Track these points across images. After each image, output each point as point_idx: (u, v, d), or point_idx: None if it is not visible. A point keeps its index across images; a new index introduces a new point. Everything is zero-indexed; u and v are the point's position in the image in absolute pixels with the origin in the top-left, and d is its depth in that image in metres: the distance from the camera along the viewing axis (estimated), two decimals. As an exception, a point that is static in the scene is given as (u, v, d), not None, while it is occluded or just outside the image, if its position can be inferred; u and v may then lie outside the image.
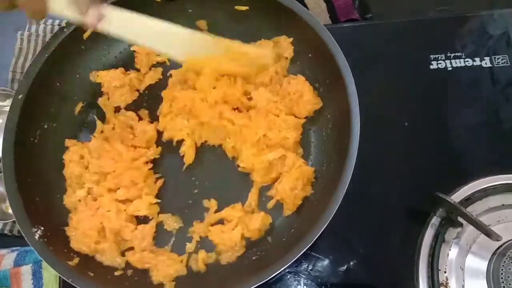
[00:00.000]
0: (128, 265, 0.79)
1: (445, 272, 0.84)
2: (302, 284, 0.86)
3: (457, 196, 0.87)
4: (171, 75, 0.92)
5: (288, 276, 0.86)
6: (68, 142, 0.87)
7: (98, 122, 0.90)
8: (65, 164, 0.85)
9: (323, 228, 0.71)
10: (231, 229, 0.79)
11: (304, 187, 0.80)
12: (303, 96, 0.84)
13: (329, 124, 0.84)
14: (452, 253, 0.85)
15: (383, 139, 0.93)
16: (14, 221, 0.90)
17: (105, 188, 0.81)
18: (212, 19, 0.93)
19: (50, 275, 0.87)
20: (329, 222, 0.71)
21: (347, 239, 0.88)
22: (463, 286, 0.82)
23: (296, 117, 0.85)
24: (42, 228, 0.76)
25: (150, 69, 0.95)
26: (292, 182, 0.79)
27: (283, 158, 0.82)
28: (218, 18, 0.92)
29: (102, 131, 0.89)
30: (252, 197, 0.83)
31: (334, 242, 0.87)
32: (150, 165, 0.86)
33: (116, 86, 0.90)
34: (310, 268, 0.86)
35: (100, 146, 0.84)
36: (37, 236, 0.74)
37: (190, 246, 0.81)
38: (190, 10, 0.93)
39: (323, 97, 0.86)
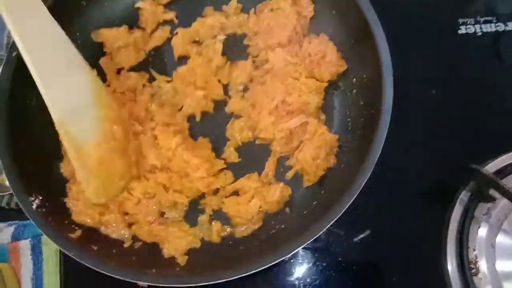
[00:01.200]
0: (136, 238, 0.73)
1: (474, 250, 0.79)
2: (320, 260, 0.80)
3: (490, 168, 0.81)
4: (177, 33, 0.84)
5: (303, 253, 0.81)
6: None
7: None
8: None
9: (350, 202, 0.64)
10: (247, 200, 0.72)
11: (327, 157, 0.74)
12: (326, 57, 0.76)
13: (354, 88, 0.77)
14: (482, 230, 0.80)
15: (409, 108, 0.87)
16: (11, 194, 0.83)
17: None
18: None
19: (50, 250, 0.82)
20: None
21: (369, 213, 0.82)
22: (493, 264, 0.78)
23: (317, 80, 0.78)
24: (40, 198, 0.69)
25: (157, 27, 0.86)
26: (314, 150, 0.73)
27: (304, 125, 0.75)
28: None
29: None
30: (270, 166, 0.77)
31: (355, 216, 0.81)
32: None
33: (119, 46, 0.82)
34: (328, 244, 0.80)
35: None
36: (34, 206, 0.68)
37: (203, 218, 0.75)
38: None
39: (347, 58, 0.78)
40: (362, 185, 0.65)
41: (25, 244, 0.82)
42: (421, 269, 0.80)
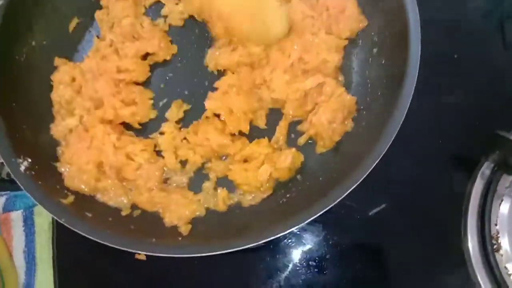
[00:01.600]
0: (135, 206, 0.68)
1: (496, 225, 0.74)
2: (330, 234, 0.74)
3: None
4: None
5: (312, 225, 0.75)
6: (57, 61, 0.74)
7: (95, 39, 0.76)
8: (54, 86, 0.72)
9: (367, 172, 0.59)
10: (257, 167, 0.66)
11: (345, 121, 0.68)
12: (345, 11, 0.69)
13: (375, 47, 0.70)
14: (504, 205, 0.75)
15: (429, 72, 0.79)
16: (2, 163, 0.77)
17: (98, 117, 0.68)
18: None
19: (43, 222, 0.77)
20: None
21: (385, 186, 0.76)
22: (516, 241, 0.72)
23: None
24: (30, 160, 0.63)
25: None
26: (331, 113, 0.67)
27: (320, 86, 0.69)
28: None
29: (98, 50, 0.74)
30: (281, 131, 0.71)
31: (370, 188, 0.74)
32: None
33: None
34: (339, 217, 0.75)
35: (95, 66, 0.71)
36: (22, 168, 0.62)
37: (207, 185, 0.69)
38: None
39: (368, 13, 0.71)
40: (383, 154, 0.59)
41: (16, 215, 0.78)
42: (439, 246, 0.75)
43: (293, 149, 0.69)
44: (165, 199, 0.66)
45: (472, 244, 0.73)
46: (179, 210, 0.65)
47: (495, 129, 0.75)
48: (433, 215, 0.76)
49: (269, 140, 0.71)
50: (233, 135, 0.70)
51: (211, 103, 0.69)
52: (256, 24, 0.68)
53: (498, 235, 0.74)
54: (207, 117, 0.71)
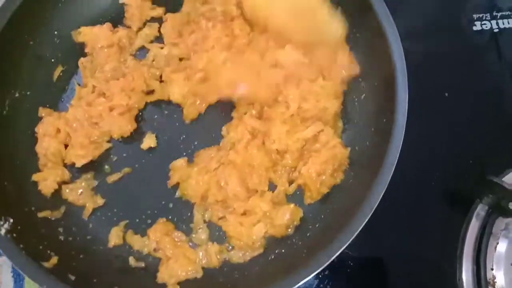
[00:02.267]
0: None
1: (492, 269, 0.72)
2: (324, 282, 0.72)
3: (509, 178, 0.75)
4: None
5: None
6: (42, 111, 0.72)
7: (77, 87, 0.75)
8: (38, 138, 0.70)
9: (361, 226, 0.57)
10: (252, 224, 0.64)
11: (334, 173, 0.66)
12: (337, 59, 0.68)
13: (363, 93, 0.70)
14: (500, 247, 0.73)
15: (420, 112, 0.78)
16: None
17: None
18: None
19: None
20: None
21: (380, 228, 0.74)
22: (514, 285, 0.71)
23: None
24: (11, 221, 0.61)
25: (144, 25, 0.78)
26: (320, 165, 0.65)
27: (317, 134, 0.67)
28: None
29: (80, 98, 0.73)
30: (283, 184, 0.68)
31: (364, 233, 0.72)
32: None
33: (102, 46, 0.74)
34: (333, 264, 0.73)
35: (82, 114, 0.70)
36: (3, 231, 0.60)
37: (203, 238, 0.68)
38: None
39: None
40: (375, 207, 0.57)
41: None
42: (436, 288, 0.73)
43: (292, 205, 0.67)
44: (171, 250, 0.65)
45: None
46: (175, 268, 0.63)
47: (487, 171, 0.74)
48: (429, 258, 0.74)
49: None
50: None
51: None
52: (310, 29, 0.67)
53: (495, 280, 0.72)
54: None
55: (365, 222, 0.57)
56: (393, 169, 0.59)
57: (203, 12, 0.73)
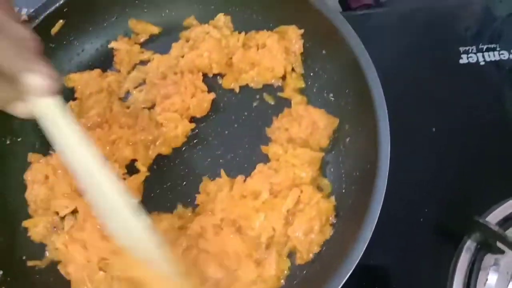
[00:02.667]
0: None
1: (482, 305, 0.72)
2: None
3: (495, 216, 0.74)
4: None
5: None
6: (31, 157, 0.72)
7: None
8: (28, 185, 0.70)
9: (344, 280, 0.57)
10: None
11: (323, 228, 0.65)
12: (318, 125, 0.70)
13: (348, 136, 0.71)
14: (490, 281, 0.72)
15: (407, 148, 0.79)
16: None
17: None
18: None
19: None
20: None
21: (369, 262, 0.75)
22: (505, 321, 0.71)
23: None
24: (1, 272, 0.62)
25: (133, 68, 0.80)
26: (307, 224, 0.64)
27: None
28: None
29: None
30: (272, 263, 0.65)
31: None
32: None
33: (91, 92, 0.75)
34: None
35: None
36: (-7, 284, 0.61)
37: None
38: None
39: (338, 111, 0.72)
40: (359, 258, 0.58)
41: None
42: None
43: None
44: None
45: (458, 328, 0.72)
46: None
47: (475, 206, 0.74)
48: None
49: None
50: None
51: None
52: None
53: (486, 319, 0.72)
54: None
55: (347, 276, 0.57)
56: (376, 221, 0.59)
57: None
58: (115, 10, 0.79)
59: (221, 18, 0.79)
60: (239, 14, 0.79)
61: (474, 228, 0.72)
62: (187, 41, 0.78)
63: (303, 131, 0.70)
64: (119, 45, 0.79)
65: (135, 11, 0.80)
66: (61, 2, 0.72)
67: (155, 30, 0.81)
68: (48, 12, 0.72)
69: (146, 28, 0.81)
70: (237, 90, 0.78)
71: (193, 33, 0.78)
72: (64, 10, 0.73)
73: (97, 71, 0.78)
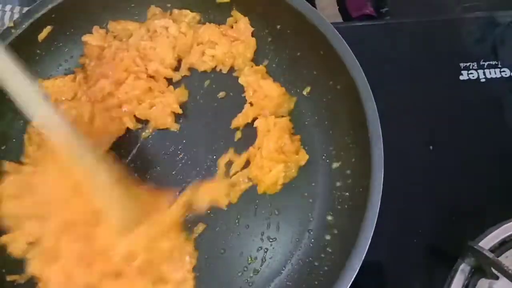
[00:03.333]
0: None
1: (477, 332, 0.70)
2: None
3: (491, 239, 0.72)
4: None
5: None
6: (9, 166, 0.69)
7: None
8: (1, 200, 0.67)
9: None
10: None
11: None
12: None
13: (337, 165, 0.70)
14: None
15: (404, 166, 0.78)
16: None
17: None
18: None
19: None
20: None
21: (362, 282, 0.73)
22: None
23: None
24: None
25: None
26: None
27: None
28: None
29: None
30: None
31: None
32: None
33: (67, 99, 0.73)
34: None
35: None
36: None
37: None
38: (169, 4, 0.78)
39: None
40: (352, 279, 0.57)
41: None
42: None
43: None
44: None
45: None
46: None
47: (471, 223, 0.73)
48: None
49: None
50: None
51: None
52: None
53: None
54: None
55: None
56: (368, 244, 0.58)
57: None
58: (104, 17, 0.76)
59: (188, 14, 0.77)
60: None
61: (468, 253, 0.70)
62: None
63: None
64: (91, 40, 0.75)
65: (125, 17, 0.77)
66: (48, 8, 0.70)
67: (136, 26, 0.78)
68: (35, 18, 0.70)
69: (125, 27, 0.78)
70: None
71: (152, 25, 0.76)
72: (52, 16, 0.71)
73: (71, 76, 0.75)
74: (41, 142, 0.70)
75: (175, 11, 0.77)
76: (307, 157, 0.71)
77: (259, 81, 0.73)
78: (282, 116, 0.73)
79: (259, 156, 0.69)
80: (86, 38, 0.75)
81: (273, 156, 0.69)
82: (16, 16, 0.83)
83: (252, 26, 0.75)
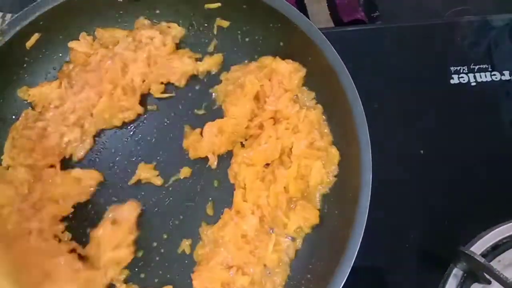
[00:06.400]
0: None
1: (470, 336, 0.70)
2: None
3: (484, 243, 0.72)
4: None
5: None
6: None
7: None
8: None
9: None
10: None
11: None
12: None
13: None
14: None
15: (395, 170, 0.78)
16: None
17: None
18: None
19: None
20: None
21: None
22: None
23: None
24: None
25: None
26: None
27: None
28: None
29: None
30: None
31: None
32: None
33: (56, 106, 0.72)
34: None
35: None
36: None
37: None
38: (158, 11, 0.77)
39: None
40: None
41: None
42: None
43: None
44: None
45: None
46: None
47: (463, 228, 0.73)
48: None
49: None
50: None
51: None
52: None
53: None
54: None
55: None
56: (356, 252, 0.57)
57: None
58: (93, 24, 0.76)
59: (176, 28, 0.77)
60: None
61: (460, 258, 0.70)
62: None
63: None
64: (77, 46, 0.75)
65: (113, 25, 0.77)
66: (36, 15, 0.69)
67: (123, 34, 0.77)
68: (22, 25, 0.69)
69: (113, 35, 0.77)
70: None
71: (138, 35, 0.75)
72: (40, 23, 0.71)
73: (56, 82, 0.74)
74: None
75: (163, 23, 0.77)
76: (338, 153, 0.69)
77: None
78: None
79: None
80: (72, 44, 0.75)
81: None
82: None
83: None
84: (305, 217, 0.67)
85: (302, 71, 0.72)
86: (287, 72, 0.71)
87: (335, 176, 0.69)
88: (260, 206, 0.67)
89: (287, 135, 0.69)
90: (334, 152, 0.69)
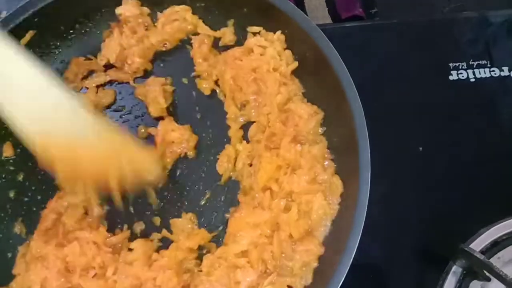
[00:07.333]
0: None
1: (469, 333, 0.70)
2: None
3: (483, 240, 0.72)
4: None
5: None
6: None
7: None
8: None
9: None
10: None
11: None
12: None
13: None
14: None
15: (393, 167, 0.77)
16: None
17: None
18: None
19: None
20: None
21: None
22: None
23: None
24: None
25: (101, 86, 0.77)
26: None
27: None
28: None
29: None
30: None
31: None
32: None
33: None
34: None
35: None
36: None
37: None
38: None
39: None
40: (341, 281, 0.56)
41: None
42: None
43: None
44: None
45: None
46: None
47: (463, 224, 0.72)
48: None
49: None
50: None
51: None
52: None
53: None
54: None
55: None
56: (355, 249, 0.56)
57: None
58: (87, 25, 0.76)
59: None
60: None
61: (459, 255, 0.70)
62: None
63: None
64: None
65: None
66: (30, 12, 0.69)
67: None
68: (16, 22, 0.69)
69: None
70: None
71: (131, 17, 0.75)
72: (35, 20, 0.70)
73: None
74: None
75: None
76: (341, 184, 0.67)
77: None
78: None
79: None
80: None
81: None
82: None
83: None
84: (308, 250, 0.64)
85: (320, 114, 0.70)
86: (306, 114, 0.69)
87: (339, 204, 0.66)
88: (264, 261, 0.63)
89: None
90: (337, 182, 0.66)
